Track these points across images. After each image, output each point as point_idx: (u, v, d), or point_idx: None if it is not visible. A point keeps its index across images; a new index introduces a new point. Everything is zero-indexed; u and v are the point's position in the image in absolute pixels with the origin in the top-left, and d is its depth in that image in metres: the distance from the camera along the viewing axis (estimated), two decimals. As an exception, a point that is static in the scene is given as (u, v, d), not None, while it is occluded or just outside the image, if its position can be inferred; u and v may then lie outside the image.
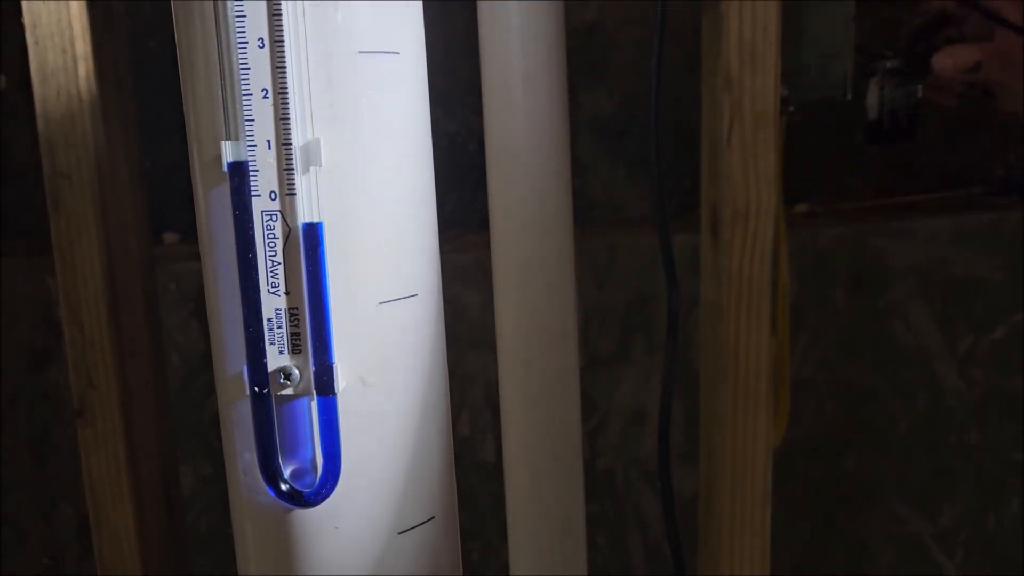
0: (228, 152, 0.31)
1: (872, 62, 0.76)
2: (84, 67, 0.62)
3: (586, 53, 0.92)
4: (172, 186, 0.87)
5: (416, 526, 0.36)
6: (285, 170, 0.31)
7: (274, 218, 0.31)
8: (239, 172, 0.31)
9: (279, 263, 0.32)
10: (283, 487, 0.33)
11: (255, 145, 0.31)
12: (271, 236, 0.31)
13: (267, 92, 0.30)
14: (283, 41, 0.30)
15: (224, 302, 0.33)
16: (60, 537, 0.93)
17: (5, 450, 0.90)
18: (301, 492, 0.33)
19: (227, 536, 0.37)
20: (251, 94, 0.31)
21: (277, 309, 0.32)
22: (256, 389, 0.32)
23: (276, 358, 0.32)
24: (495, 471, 0.83)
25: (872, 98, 0.78)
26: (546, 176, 0.67)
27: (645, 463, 0.97)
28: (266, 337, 0.32)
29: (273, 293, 0.32)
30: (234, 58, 0.30)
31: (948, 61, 0.69)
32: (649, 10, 0.63)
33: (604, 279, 0.93)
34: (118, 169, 0.67)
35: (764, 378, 0.65)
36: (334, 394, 0.32)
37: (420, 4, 0.35)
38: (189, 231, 0.92)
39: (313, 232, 0.31)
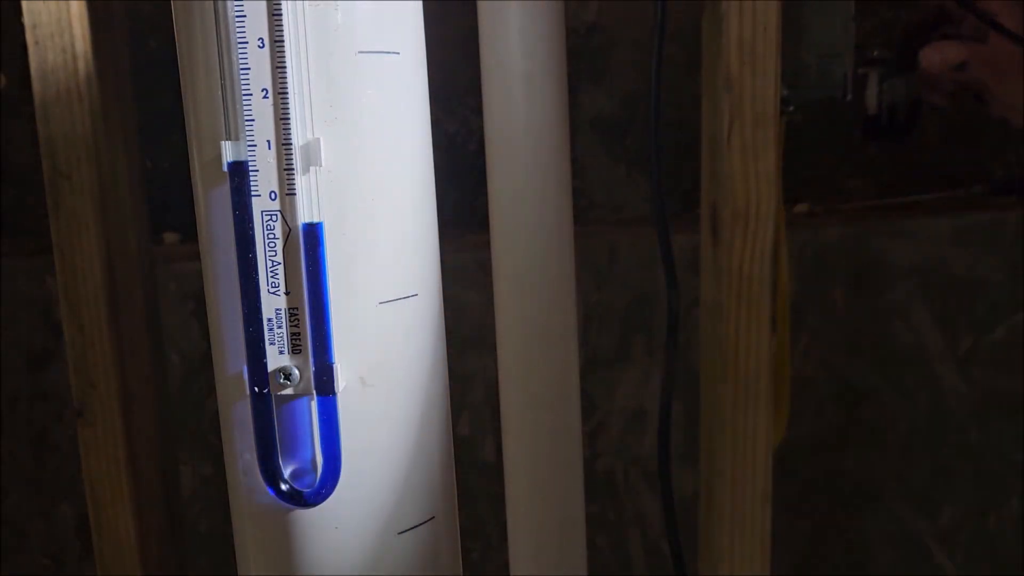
0: (228, 152, 0.31)
1: (865, 62, 0.76)
2: (84, 67, 0.62)
3: (586, 53, 0.92)
4: (172, 186, 0.87)
5: (416, 526, 0.36)
6: (285, 170, 0.31)
7: (274, 218, 0.31)
8: (239, 172, 0.31)
9: (279, 263, 0.32)
10: (283, 487, 0.33)
11: (255, 145, 0.31)
12: (271, 236, 0.31)
13: (267, 92, 0.30)
14: (283, 41, 0.30)
15: (224, 302, 0.33)
16: (60, 537, 0.93)
17: (5, 450, 0.90)
18: (301, 492, 0.33)
19: (227, 536, 0.37)
20: (251, 94, 0.30)
21: (277, 309, 0.32)
22: (256, 389, 0.32)
23: (276, 358, 0.32)
24: (495, 471, 0.83)
25: (870, 93, 0.78)
26: (546, 176, 0.67)
27: (645, 463, 0.97)
28: (266, 337, 0.32)
29: (273, 293, 0.32)
30: (234, 58, 0.30)
31: (936, 56, 0.69)
32: (649, 10, 0.63)
33: (604, 279, 0.93)
34: (118, 169, 0.67)
35: (764, 378, 0.65)
36: (334, 394, 0.32)
37: (420, 4, 0.35)
38: (189, 231, 0.92)
39: (313, 232, 0.31)
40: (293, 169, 0.31)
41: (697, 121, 0.67)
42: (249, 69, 0.30)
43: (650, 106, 0.62)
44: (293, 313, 0.32)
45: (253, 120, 0.31)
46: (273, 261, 0.32)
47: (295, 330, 0.32)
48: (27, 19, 0.62)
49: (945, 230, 0.95)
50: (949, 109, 0.82)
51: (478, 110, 0.67)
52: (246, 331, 0.32)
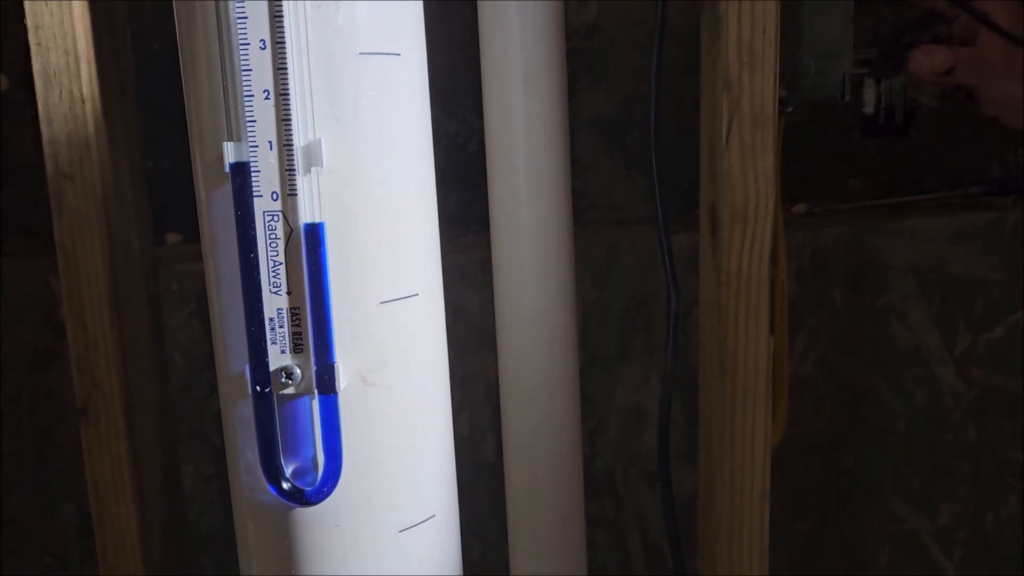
0: (230, 153, 0.31)
1: (859, 62, 0.76)
2: (86, 68, 0.63)
3: (586, 54, 0.93)
4: (175, 187, 0.87)
5: (417, 524, 0.36)
6: (287, 171, 0.31)
7: (276, 218, 0.31)
8: (241, 173, 0.31)
9: (281, 263, 0.32)
10: (285, 486, 0.33)
11: (257, 146, 0.31)
12: (273, 236, 0.32)
13: (269, 93, 0.31)
14: (284, 42, 0.30)
15: (226, 302, 0.33)
16: (62, 536, 0.93)
17: (7, 450, 0.91)
18: (302, 491, 0.33)
19: (229, 535, 0.37)
20: (253, 95, 0.31)
21: (279, 309, 0.32)
22: (258, 388, 0.33)
23: (278, 357, 0.32)
24: (495, 470, 0.83)
25: (868, 94, 0.78)
26: (546, 176, 0.67)
27: (645, 462, 0.97)
28: (268, 337, 0.32)
29: (275, 293, 0.32)
30: (236, 59, 0.31)
31: (924, 61, 0.69)
32: (649, 11, 0.63)
33: (604, 279, 0.93)
34: (121, 170, 0.67)
35: (763, 377, 0.65)
36: (335, 393, 0.32)
37: (420, 5, 0.35)
38: (192, 231, 0.93)
39: (314, 232, 0.31)
40: (294, 170, 0.31)
41: (696, 121, 0.67)
42: (251, 70, 0.31)
43: (650, 106, 0.62)
44: (295, 313, 0.32)
45: (255, 121, 0.31)
46: (275, 261, 0.32)
47: (297, 330, 0.32)
48: (29, 20, 0.62)
49: (944, 230, 0.95)
50: (942, 109, 0.82)
51: (478, 110, 0.67)
52: (248, 331, 0.32)
